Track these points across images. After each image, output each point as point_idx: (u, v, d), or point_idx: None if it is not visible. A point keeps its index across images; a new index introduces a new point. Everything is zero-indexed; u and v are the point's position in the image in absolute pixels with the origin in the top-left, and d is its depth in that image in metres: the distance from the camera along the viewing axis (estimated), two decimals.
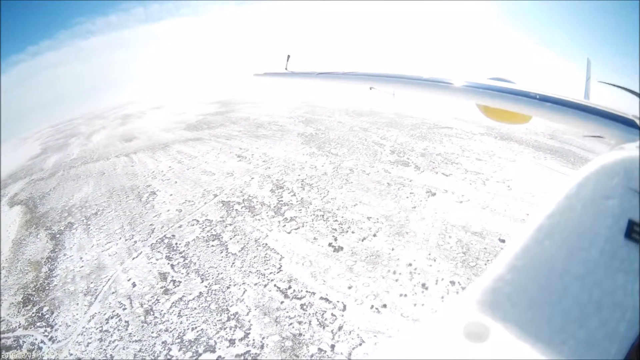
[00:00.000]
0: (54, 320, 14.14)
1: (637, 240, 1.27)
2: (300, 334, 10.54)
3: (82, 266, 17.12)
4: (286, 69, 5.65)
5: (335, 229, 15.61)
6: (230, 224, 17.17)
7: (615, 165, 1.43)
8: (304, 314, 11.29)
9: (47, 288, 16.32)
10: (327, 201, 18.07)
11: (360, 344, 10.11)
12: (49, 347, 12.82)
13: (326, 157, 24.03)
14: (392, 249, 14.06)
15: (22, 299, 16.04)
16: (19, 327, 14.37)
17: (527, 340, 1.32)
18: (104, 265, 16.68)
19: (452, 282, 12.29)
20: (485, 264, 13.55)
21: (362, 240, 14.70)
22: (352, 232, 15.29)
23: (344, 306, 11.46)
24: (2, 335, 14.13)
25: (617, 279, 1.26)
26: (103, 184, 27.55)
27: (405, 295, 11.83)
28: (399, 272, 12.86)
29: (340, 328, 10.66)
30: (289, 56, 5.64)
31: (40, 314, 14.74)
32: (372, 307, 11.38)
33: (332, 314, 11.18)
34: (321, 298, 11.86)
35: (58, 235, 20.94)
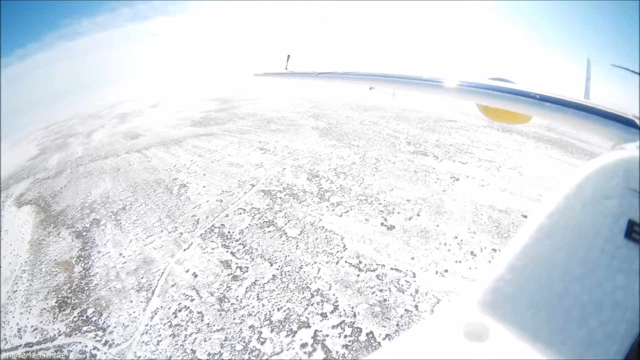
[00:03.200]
0: (104, 322, 13.18)
1: (637, 240, 1.28)
2: (385, 300, 12.01)
3: (125, 262, 16.58)
4: (286, 69, 5.69)
5: (382, 211, 17.20)
6: (280, 211, 18.04)
7: (615, 165, 1.44)
8: (381, 283, 12.77)
9: (86, 288, 15.41)
10: (365, 187, 19.60)
11: (438, 302, 11.84)
12: (105, 354, 11.82)
13: (349, 148, 25.53)
14: (437, 226, 15.97)
15: (56, 303, 14.94)
16: (60, 335, 13.15)
17: (527, 340, 1.32)
18: (151, 259, 16.32)
19: (494, 250, 14.47)
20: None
21: (409, 220, 16.45)
22: (398, 213, 16.98)
23: (414, 274, 13.12)
24: (39, 347, 12.88)
25: (617, 279, 1.27)
26: (121, 179, 26.79)
27: (460, 261, 13.79)
28: (449, 243, 14.79)
29: (416, 291, 12.31)
30: (289, 56, 5.66)
31: (84, 317, 13.69)
32: (436, 272, 13.17)
33: (406, 281, 12.80)
34: (391, 269, 13.41)
35: (85, 233, 20.15)
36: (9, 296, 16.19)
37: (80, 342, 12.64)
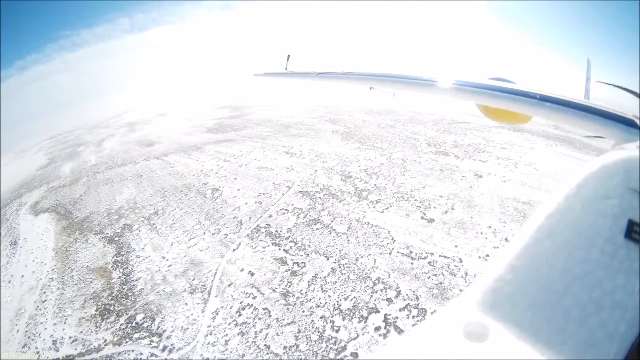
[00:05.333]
0: (158, 327, 12.95)
1: (637, 240, 1.29)
2: (440, 283, 13.40)
3: (170, 265, 16.62)
4: (286, 68, 5.68)
5: (419, 206, 18.66)
6: (323, 209, 19.28)
7: (615, 165, 1.46)
8: (434, 268, 14.17)
9: (130, 294, 15.20)
10: (398, 185, 21.06)
11: None
12: None
13: (373, 150, 27.06)
14: (471, 217, 17.50)
15: (97, 310, 14.56)
16: (107, 344, 12.69)
17: (527, 340, 1.32)
18: (199, 260, 16.56)
19: None
20: None
21: (445, 213, 17.95)
22: (434, 208, 18.47)
23: (460, 259, 14.57)
24: (82, 359, 12.42)
25: (617, 279, 1.27)
26: (146, 185, 27.30)
27: (497, 247, 15.33)
28: (484, 232, 16.32)
29: (466, 274, 13.75)
30: (289, 56, 5.66)
31: (134, 324, 13.40)
32: (479, 257, 14.65)
33: (455, 265, 14.23)
34: (440, 256, 14.83)
35: (117, 238, 20.09)
36: (37, 306, 15.74)
37: (133, 350, 12.23)
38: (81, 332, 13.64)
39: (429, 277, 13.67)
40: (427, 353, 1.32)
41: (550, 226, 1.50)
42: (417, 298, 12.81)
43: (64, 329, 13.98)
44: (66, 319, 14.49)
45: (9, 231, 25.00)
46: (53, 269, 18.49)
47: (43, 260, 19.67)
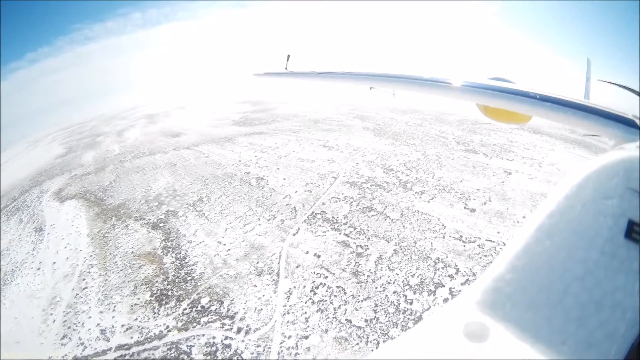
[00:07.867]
0: (228, 310, 12.92)
1: (637, 240, 1.30)
2: (491, 262, 15.66)
3: (229, 249, 17.19)
4: (286, 68, 5.71)
5: (460, 198, 20.90)
6: (373, 198, 21.35)
7: (615, 165, 1.46)
8: (483, 250, 16.42)
9: (189, 278, 15.13)
10: (438, 179, 23.26)
11: None
12: (242, 341, 11.52)
13: (407, 146, 29.14)
14: (507, 208, 19.81)
15: (152, 296, 14.24)
16: (170, 331, 12.31)
17: (527, 340, 1.34)
18: (259, 245, 17.51)
19: None
20: None
21: (484, 204, 20.23)
22: (474, 199, 20.73)
23: (504, 243, 16.84)
24: (141, 348, 11.99)
25: (617, 279, 1.29)
26: (183, 173, 28.32)
27: None
28: (521, 221, 18.63)
29: None
30: (289, 56, 5.70)
31: (199, 308, 13.22)
32: None
33: (500, 248, 16.47)
34: (486, 240, 17.09)
35: (162, 224, 20.47)
36: (77, 294, 15.44)
37: (203, 335, 12.07)
38: (136, 319, 13.27)
39: (481, 257, 15.93)
40: (427, 353, 1.35)
41: (551, 226, 1.52)
42: (474, 274, 15.02)
43: (113, 317, 13.61)
44: (115, 306, 14.16)
45: (31, 217, 25.26)
46: (91, 255, 18.39)
47: (77, 246, 19.60)
